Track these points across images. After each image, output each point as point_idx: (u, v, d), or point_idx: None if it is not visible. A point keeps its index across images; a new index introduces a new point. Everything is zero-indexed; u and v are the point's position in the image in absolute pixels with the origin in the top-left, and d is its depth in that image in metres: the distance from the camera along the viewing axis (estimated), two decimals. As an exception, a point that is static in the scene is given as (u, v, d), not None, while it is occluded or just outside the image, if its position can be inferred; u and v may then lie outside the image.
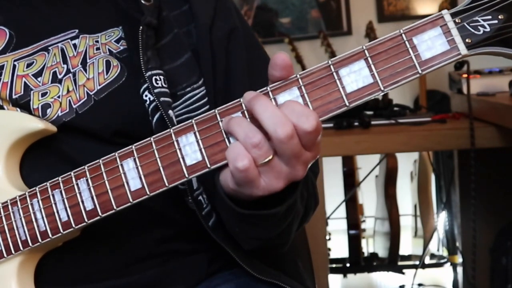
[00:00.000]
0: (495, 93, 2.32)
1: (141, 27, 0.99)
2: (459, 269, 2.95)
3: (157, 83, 0.97)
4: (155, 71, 0.98)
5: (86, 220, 0.89)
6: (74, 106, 0.98)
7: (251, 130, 0.79)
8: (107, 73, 1.00)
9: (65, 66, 1.00)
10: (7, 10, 1.05)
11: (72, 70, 1.00)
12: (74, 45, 1.02)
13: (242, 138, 0.79)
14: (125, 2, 1.04)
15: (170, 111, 0.96)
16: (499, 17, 0.77)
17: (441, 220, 3.37)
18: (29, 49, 1.02)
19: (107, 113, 0.98)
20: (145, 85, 0.97)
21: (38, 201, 0.92)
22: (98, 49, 1.02)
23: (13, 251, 0.94)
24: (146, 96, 0.97)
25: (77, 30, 1.03)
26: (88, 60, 1.01)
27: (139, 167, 0.85)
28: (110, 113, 0.98)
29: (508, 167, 2.56)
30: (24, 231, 0.93)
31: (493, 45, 0.77)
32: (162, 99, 0.96)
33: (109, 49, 1.02)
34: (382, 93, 0.79)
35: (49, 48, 1.02)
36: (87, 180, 0.88)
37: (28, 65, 1.00)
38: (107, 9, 1.06)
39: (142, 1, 1.02)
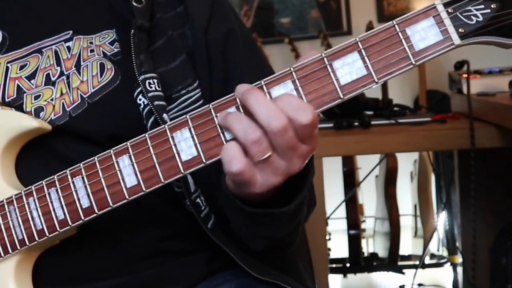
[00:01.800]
0: (495, 93, 2.32)
1: (132, 30, 0.98)
2: (459, 269, 2.95)
3: (151, 87, 0.96)
4: (148, 74, 0.97)
5: (82, 217, 0.89)
6: (67, 109, 0.98)
7: (250, 126, 0.79)
8: (101, 76, 0.99)
9: (58, 68, 1.00)
10: (0, 11, 1.05)
11: (65, 73, 1.00)
12: (68, 48, 1.01)
13: (241, 134, 0.79)
14: (117, 4, 1.03)
15: (165, 115, 0.95)
16: (492, 6, 0.77)
17: (441, 220, 3.37)
18: (23, 51, 1.01)
19: (101, 116, 0.98)
20: (139, 89, 0.96)
21: (34, 200, 0.92)
22: (92, 51, 1.01)
23: (10, 251, 0.94)
24: (140, 100, 0.96)
25: (71, 32, 1.02)
26: (82, 63, 1.00)
27: (135, 164, 0.85)
28: (104, 116, 0.98)
29: (508, 167, 2.56)
30: (21, 230, 0.92)
31: (486, 34, 0.77)
32: (156, 103, 0.95)
33: (103, 51, 1.01)
34: (376, 85, 0.80)
35: (43, 50, 1.01)
36: (82, 178, 0.88)
37: (21, 67, 1.00)
38: (101, 11, 1.05)
39: (134, 3, 1.01)
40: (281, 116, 0.77)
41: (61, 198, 0.90)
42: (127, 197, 0.86)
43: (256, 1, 4.71)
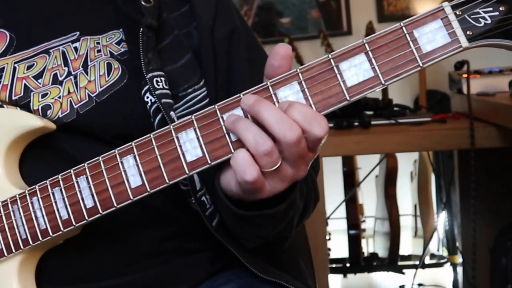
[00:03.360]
0: (495, 93, 2.32)
1: (141, 29, 0.99)
2: (459, 269, 2.95)
3: (158, 85, 0.97)
4: (156, 72, 0.98)
5: (86, 218, 0.89)
6: (75, 106, 0.98)
7: (261, 137, 0.79)
8: (108, 76, 1.00)
9: (66, 68, 1.00)
10: (7, 12, 1.05)
11: (73, 73, 1.00)
12: (75, 48, 1.01)
13: (252, 145, 0.79)
14: (125, 4, 1.04)
15: (172, 113, 0.96)
16: (500, 8, 0.77)
17: (441, 220, 3.37)
18: (30, 52, 1.01)
19: (109, 115, 0.98)
20: (146, 87, 0.96)
21: (38, 200, 0.91)
22: (99, 51, 1.01)
23: (13, 250, 0.93)
24: (147, 97, 0.96)
25: (78, 33, 1.03)
26: (89, 63, 1.00)
27: (139, 164, 0.85)
28: (112, 115, 0.98)
29: (508, 167, 2.56)
30: (25, 230, 0.92)
31: (494, 37, 0.77)
32: (163, 100, 0.96)
33: (110, 51, 1.02)
34: (383, 87, 0.79)
35: (50, 51, 1.01)
36: (87, 177, 0.88)
37: (29, 67, 1.00)
38: (107, 12, 1.05)
39: (143, 3, 1.02)
40: (295, 127, 0.77)
41: (65, 198, 0.89)
42: (131, 197, 0.86)
43: (256, 1, 4.71)
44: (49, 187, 0.91)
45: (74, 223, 0.89)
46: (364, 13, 4.49)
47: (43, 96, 0.98)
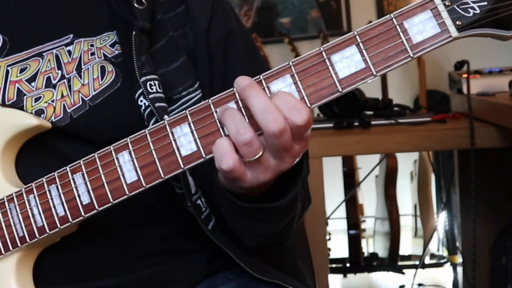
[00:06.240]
0: (495, 93, 2.32)
1: (134, 32, 0.98)
2: (459, 269, 2.95)
3: (152, 89, 0.97)
4: (149, 76, 0.97)
5: (83, 214, 0.89)
6: (68, 111, 0.98)
7: (243, 126, 0.79)
8: (102, 79, 0.99)
9: (59, 72, 1.00)
10: (1, 15, 1.05)
11: (66, 76, 0.99)
12: (69, 51, 1.01)
13: (233, 133, 0.79)
14: (119, 6, 1.03)
15: (166, 116, 0.95)
16: None
17: (441, 220, 3.36)
18: (23, 55, 1.01)
19: (102, 118, 0.98)
20: (140, 91, 0.96)
21: (34, 197, 0.92)
22: (93, 54, 1.01)
23: (10, 248, 0.94)
24: (141, 101, 0.96)
25: (72, 35, 1.02)
26: (83, 66, 1.00)
27: (135, 160, 0.86)
28: (105, 118, 0.98)
29: (508, 167, 2.56)
30: (22, 227, 0.93)
31: (483, 27, 0.78)
32: (157, 104, 0.96)
33: (104, 54, 1.01)
34: (374, 78, 0.80)
35: (44, 54, 1.01)
36: (83, 174, 0.89)
37: (22, 70, 1.00)
38: (102, 13, 1.05)
39: (135, 5, 1.01)
40: (280, 119, 0.77)
41: (62, 195, 0.90)
42: (127, 193, 0.87)
43: (256, 1, 4.71)
44: (45, 184, 0.91)
45: (70, 219, 0.90)
46: (364, 13, 4.49)
47: (36, 100, 0.98)
